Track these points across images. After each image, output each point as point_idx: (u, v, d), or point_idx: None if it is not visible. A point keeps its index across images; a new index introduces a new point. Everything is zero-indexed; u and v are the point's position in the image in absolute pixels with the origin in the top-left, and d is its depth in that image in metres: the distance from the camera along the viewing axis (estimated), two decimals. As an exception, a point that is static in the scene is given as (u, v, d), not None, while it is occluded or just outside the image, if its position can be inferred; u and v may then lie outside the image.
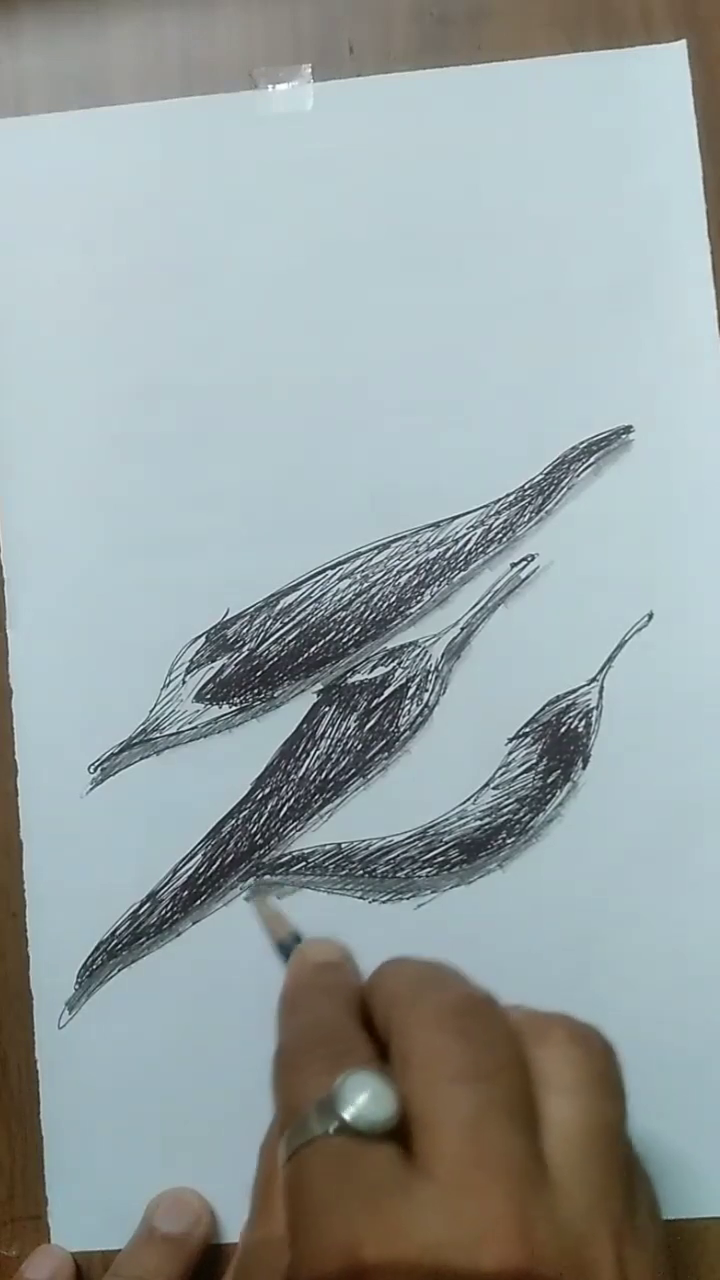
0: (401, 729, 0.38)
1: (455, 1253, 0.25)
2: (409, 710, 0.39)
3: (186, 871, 0.38)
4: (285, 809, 0.38)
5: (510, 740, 0.38)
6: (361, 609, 0.39)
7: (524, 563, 0.39)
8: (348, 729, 0.39)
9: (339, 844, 0.38)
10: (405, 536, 0.39)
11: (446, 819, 0.38)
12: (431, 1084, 0.27)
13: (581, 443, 0.39)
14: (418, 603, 0.39)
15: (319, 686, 0.39)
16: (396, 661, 0.39)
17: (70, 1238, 0.38)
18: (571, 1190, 0.27)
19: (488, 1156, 0.26)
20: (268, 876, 0.38)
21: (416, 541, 0.39)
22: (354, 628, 0.39)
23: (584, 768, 0.38)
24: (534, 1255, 0.25)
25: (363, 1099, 0.27)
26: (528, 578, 0.39)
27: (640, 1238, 0.27)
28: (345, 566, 0.39)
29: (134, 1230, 0.37)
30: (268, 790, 0.39)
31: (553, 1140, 0.27)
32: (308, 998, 0.33)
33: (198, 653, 0.39)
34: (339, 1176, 0.27)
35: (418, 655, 0.39)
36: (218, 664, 0.39)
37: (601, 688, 0.38)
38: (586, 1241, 0.26)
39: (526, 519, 0.39)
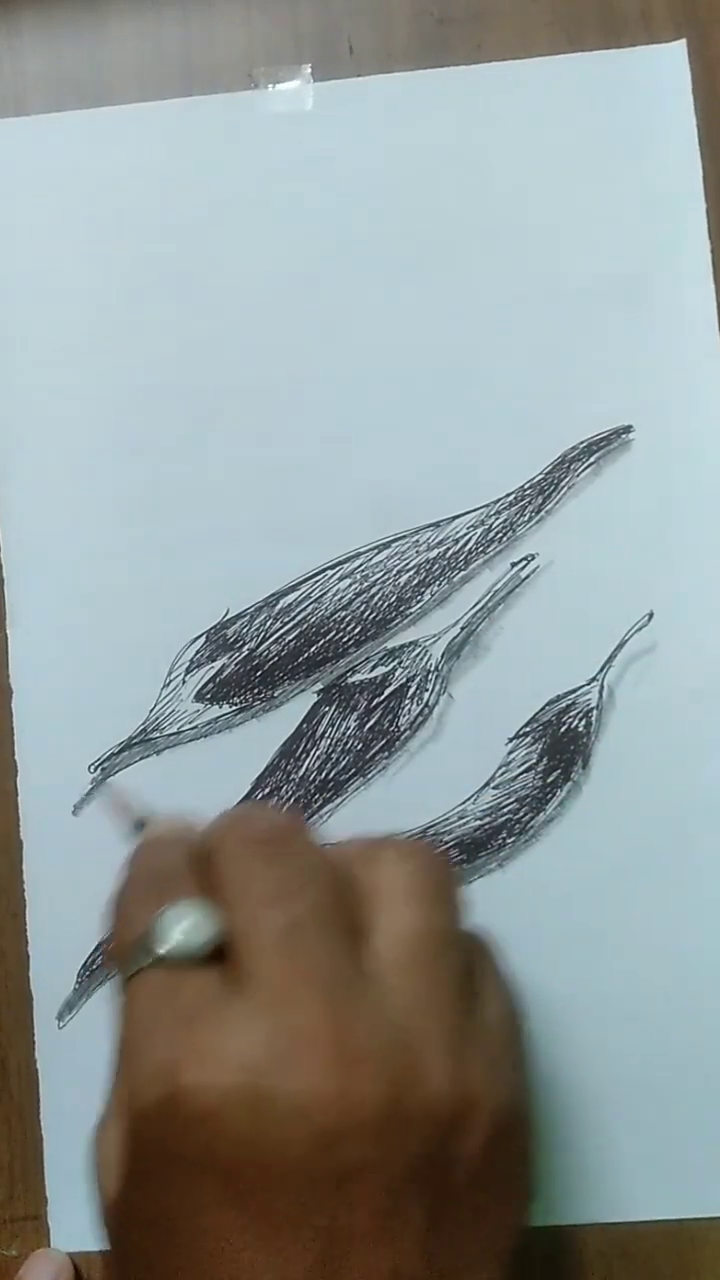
0: (401, 729, 0.38)
1: (271, 1066, 0.25)
2: (409, 710, 0.38)
3: (186, 871, 0.38)
4: (285, 809, 0.38)
5: (510, 740, 0.38)
6: (362, 609, 0.39)
7: (524, 562, 0.39)
8: (348, 729, 0.39)
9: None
10: (405, 536, 0.39)
11: (446, 819, 0.38)
12: (244, 907, 0.27)
13: (581, 443, 0.39)
14: (418, 602, 0.39)
15: (319, 686, 0.39)
16: (397, 661, 0.39)
17: (70, 1238, 0.38)
18: (396, 994, 0.27)
19: (301, 969, 0.26)
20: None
21: (416, 541, 0.39)
22: (354, 627, 0.39)
23: (584, 767, 0.38)
24: (351, 1056, 0.25)
25: (181, 927, 0.27)
26: (528, 577, 0.39)
27: (480, 1037, 0.27)
28: (345, 566, 0.39)
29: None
30: (268, 790, 0.39)
31: (377, 948, 0.27)
32: (143, 852, 0.32)
33: (198, 653, 0.39)
34: (159, 1003, 0.27)
35: (418, 655, 0.39)
36: (218, 664, 0.39)
37: (602, 687, 0.38)
38: (414, 1040, 0.26)
39: (526, 519, 0.39)
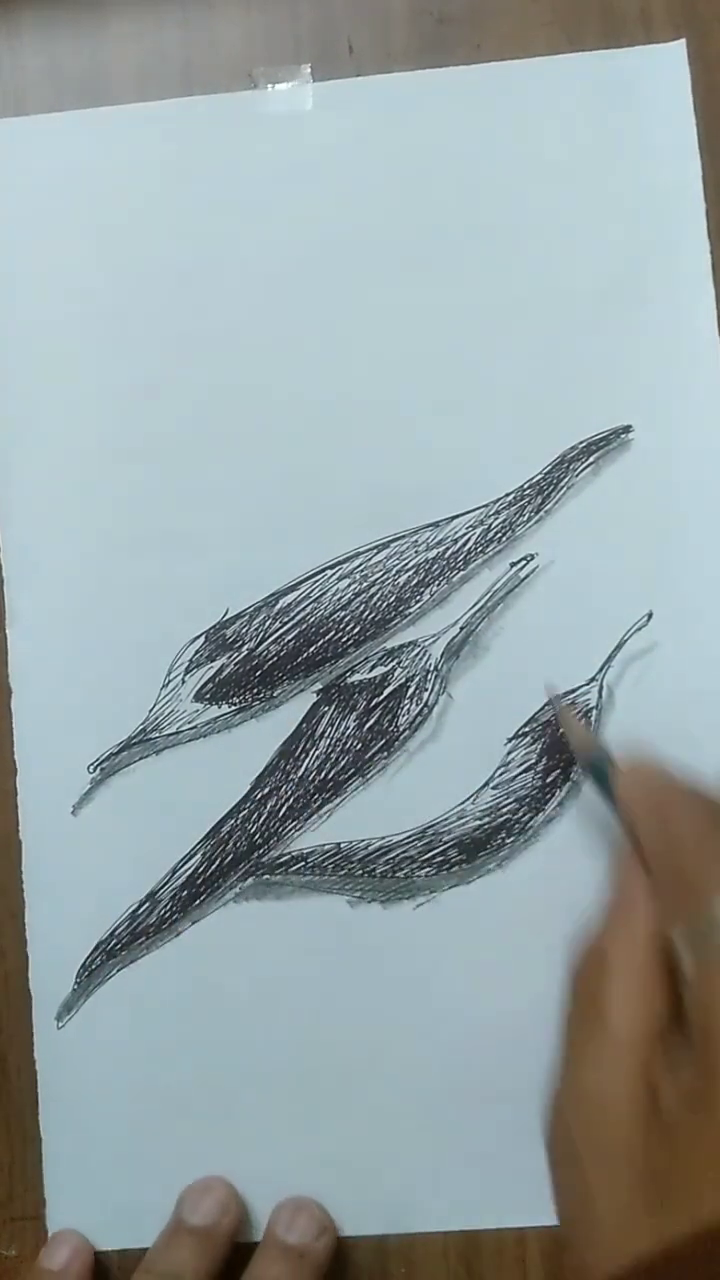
0: (401, 729, 0.38)
1: None
2: (408, 710, 0.38)
3: (186, 871, 0.38)
4: (285, 809, 0.38)
5: (510, 740, 0.38)
6: (361, 608, 0.39)
7: (523, 562, 0.39)
8: (347, 729, 0.39)
9: (338, 844, 0.38)
10: (405, 536, 0.39)
11: (446, 819, 0.38)
12: None
13: (581, 442, 0.39)
14: (417, 602, 0.39)
15: (318, 686, 0.39)
16: (396, 661, 0.39)
17: (70, 1238, 0.38)
18: None
19: None
20: (267, 876, 0.38)
21: (416, 541, 0.39)
22: (353, 627, 0.39)
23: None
24: None
25: None
26: (527, 577, 0.39)
27: None
28: (345, 566, 0.39)
29: (135, 1228, 0.37)
30: (267, 790, 0.39)
31: None
32: (669, 809, 0.33)
33: (197, 653, 0.39)
34: None
35: (417, 655, 0.39)
36: (217, 664, 0.39)
37: (602, 687, 0.38)
38: None
39: (526, 519, 0.39)
